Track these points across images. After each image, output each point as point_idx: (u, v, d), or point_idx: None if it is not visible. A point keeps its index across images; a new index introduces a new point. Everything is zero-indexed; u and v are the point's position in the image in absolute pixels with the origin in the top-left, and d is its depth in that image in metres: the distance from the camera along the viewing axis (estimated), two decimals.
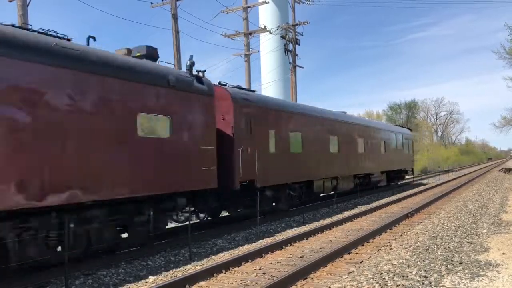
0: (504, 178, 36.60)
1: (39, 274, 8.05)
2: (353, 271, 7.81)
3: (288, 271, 7.58)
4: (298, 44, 34.89)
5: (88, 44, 9.53)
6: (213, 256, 9.77)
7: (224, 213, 15.75)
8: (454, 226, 12.14)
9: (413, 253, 8.88)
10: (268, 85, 45.19)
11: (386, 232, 12.09)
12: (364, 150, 23.47)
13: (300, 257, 9.30)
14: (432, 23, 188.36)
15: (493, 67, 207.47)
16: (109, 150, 8.83)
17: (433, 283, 6.82)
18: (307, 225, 13.95)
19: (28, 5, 14.23)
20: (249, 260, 8.97)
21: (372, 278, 7.13)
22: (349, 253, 9.46)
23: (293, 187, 16.68)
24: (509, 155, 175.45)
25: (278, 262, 8.92)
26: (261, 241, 11.47)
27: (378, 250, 9.75)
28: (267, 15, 45.32)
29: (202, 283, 7.48)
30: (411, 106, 72.55)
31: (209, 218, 14.30)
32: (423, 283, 6.81)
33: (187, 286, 7.21)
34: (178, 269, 8.66)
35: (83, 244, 8.73)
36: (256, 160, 13.79)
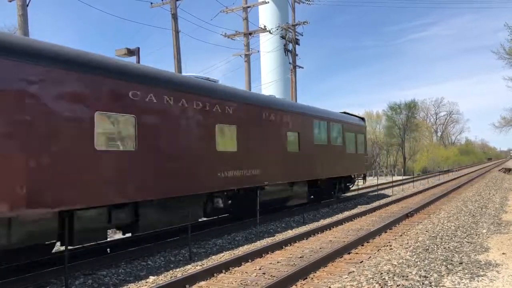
0: (504, 178, 36.61)
1: (39, 274, 8.05)
2: (353, 271, 7.81)
3: (288, 271, 7.58)
4: (298, 44, 34.90)
5: None
6: (213, 256, 9.77)
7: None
8: (454, 226, 12.14)
9: (413, 253, 8.88)
10: (268, 85, 45.20)
11: (386, 232, 12.09)
12: (244, 146, 12.95)
13: (300, 257, 9.31)
14: (432, 23, 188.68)
15: (493, 67, 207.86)
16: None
17: (433, 283, 6.83)
18: (307, 225, 13.95)
19: (28, 5, 14.24)
20: (249, 260, 8.98)
21: (372, 278, 7.14)
22: (349, 253, 9.46)
23: None
24: (509, 155, 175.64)
25: (278, 262, 8.93)
26: (261, 241, 11.47)
27: (378, 250, 9.75)
28: (267, 15, 45.35)
29: (202, 283, 7.48)
30: (411, 106, 72.39)
31: None
32: (423, 283, 6.81)
33: (187, 286, 7.21)
34: (178, 269, 8.66)
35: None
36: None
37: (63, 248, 8.61)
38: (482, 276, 7.31)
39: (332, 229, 12.86)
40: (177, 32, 20.65)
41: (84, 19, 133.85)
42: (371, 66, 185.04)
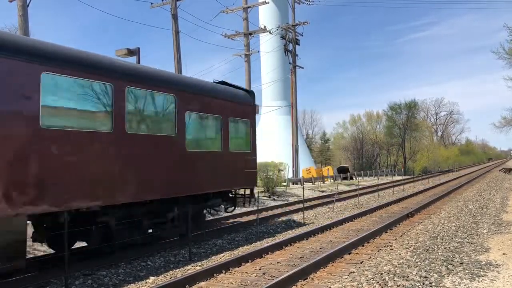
0: (505, 178, 36.59)
1: (39, 274, 8.04)
2: (354, 272, 7.79)
3: (288, 272, 7.56)
4: (298, 44, 34.91)
5: None
6: (213, 257, 9.75)
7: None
8: (455, 226, 12.13)
9: (414, 254, 8.87)
10: (268, 85, 45.19)
11: (386, 232, 12.07)
12: None
13: (300, 257, 9.29)
14: (432, 23, 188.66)
15: (493, 67, 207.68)
16: None
17: (433, 284, 6.81)
18: (307, 225, 13.93)
19: (28, 5, 14.24)
20: (249, 261, 8.96)
21: (373, 278, 7.13)
22: (349, 254, 9.44)
23: None
24: (509, 155, 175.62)
25: (278, 262, 8.91)
26: (261, 241, 11.45)
27: (378, 251, 9.73)
28: (267, 15, 45.36)
29: (202, 283, 7.47)
30: (411, 106, 72.43)
31: None
32: (423, 284, 6.79)
33: (187, 286, 7.20)
34: (178, 269, 8.64)
35: None
36: None
37: None
38: (483, 276, 7.30)
39: (332, 229, 12.84)
40: (177, 32, 20.65)
41: (84, 19, 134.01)
42: (371, 66, 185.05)
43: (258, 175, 24.51)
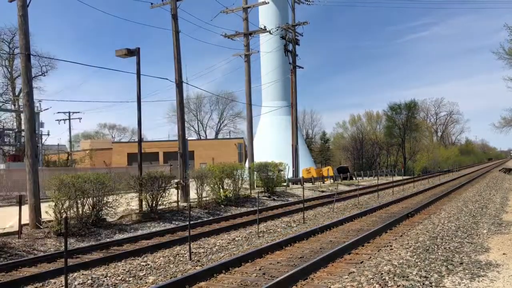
0: (504, 178, 36.61)
1: (39, 274, 8.04)
2: (354, 272, 7.79)
3: (288, 272, 7.56)
4: (298, 44, 34.91)
5: None
6: (213, 256, 9.75)
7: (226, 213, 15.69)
8: (455, 226, 12.13)
9: (414, 254, 8.87)
10: (268, 85, 45.19)
11: (386, 232, 12.07)
12: None
13: (300, 257, 9.29)
14: (432, 23, 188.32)
15: (493, 67, 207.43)
16: None
17: (433, 284, 6.81)
18: (307, 225, 13.93)
19: (28, 5, 14.22)
20: (249, 261, 8.95)
21: (373, 278, 7.13)
22: (349, 254, 9.44)
23: None
24: (509, 155, 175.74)
25: (278, 262, 8.91)
26: (261, 241, 11.45)
27: (378, 251, 9.73)
28: (267, 15, 45.34)
29: (202, 283, 7.47)
30: (411, 106, 72.52)
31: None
32: (423, 284, 6.79)
33: (187, 286, 7.20)
34: (178, 269, 8.64)
35: None
36: None
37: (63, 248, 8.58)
38: (483, 276, 7.30)
39: (332, 230, 12.84)
40: (177, 32, 20.64)
41: (84, 19, 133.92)
42: (371, 66, 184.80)
43: (258, 175, 24.61)
